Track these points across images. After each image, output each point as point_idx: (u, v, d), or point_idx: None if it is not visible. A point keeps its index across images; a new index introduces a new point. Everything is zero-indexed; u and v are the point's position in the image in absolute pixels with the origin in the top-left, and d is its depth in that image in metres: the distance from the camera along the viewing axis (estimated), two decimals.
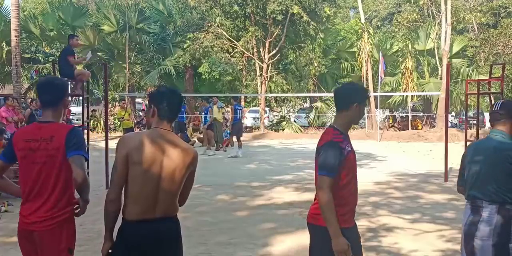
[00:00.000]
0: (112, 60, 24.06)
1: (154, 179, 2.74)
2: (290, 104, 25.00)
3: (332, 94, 24.81)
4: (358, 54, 24.82)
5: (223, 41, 22.96)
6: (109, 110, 13.33)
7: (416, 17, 25.01)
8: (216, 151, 15.60)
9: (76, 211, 3.01)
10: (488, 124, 26.66)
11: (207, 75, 23.18)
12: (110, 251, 2.81)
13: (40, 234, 2.87)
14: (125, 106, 17.36)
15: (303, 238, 5.72)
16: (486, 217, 3.12)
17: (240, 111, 15.57)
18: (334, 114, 15.89)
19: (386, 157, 14.48)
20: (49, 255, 2.89)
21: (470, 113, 20.57)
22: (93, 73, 21.29)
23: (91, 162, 9.60)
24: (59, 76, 9.41)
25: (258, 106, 25.03)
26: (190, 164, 2.83)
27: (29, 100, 19.71)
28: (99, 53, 24.40)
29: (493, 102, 14.49)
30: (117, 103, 23.48)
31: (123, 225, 2.79)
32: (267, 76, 23.18)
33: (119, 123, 17.94)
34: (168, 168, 2.76)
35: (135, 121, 22.96)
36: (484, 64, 24.92)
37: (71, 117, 18.02)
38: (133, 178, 2.74)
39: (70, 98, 18.63)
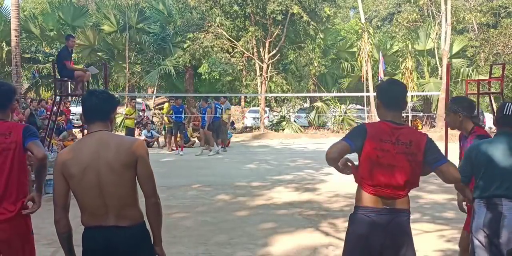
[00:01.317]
0: (112, 60, 24.07)
1: (92, 187, 2.62)
2: (290, 104, 24.99)
3: (332, 94, 24.61)
4: (358, 54, 24.81)
5: (223, 41, 22.96)
6: (124, 109, 13.32)
7: (416, 17, 25.01)
8: (205, 150, 15.57)
9: (31, 207, 3.22)
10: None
11: (207, 75, 23.18)
12: None
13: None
14: (134, 105, 17.51)
15: (303, 238, 5.73)
16: (509, 214, 3.20)
17: (221, 110, 15.62)
18: (334, 114, 15.99)
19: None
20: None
21: None
22: (93, 73, 21.29)
23: None
24: (59, 77, 9.45)
25: (258, 106, 25.03)
26: (128, 157, 2.63)
27: (29, 100, 19.70)
28: (99, 53, 24.41)
29: (493, 102, 14.52)
30: (131, 101, 23.47)
31: (83, 232, 2.72)
32: (267, 76, 23.18)
33: (123, 119, 17.89)
34: (105, 171, 2.61)
35: (135, 121, 22.96)
36: (484, 64, 24.93)
37: (71, 117, 17.99)
38: (74, 191, 2.67)
39: (70, 98, 18.70)
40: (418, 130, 3.15)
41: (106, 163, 2.62)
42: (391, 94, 3.01)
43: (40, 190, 3.31)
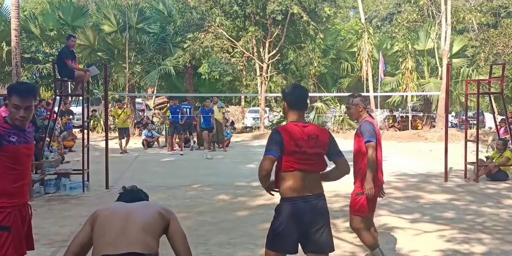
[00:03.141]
0: (112, 60, 24.05)
1: (120, 217, 2.71)
2: None
3: (332, 94, 24.66)
4: (358, 54, 24.82)
5: (223, 41, 22.95)
6: (109, 110, 13.33)
7: (416, 17, 25.01)
8: (212, 151, 15.59)
9: None
10: (488, 124, 26.65)
11: (207, 75, 23.18)
12: None
13: None
14: (123, 106, 17.38)
15: None
16: None
17: (189, 110, 16.74)
18: (334, 114, 16.00)
19: (386, 157, 14.39)
20: None
21: (470, 113, 20.56)
22: (94, 74, 21.25)
23: (92, 162, 9.62)
24: (59, 77, 9.44)
25: (258, 106, 25.03)
26: (162, 215, 2.83)
27: None
28: (99, 53, 24.40)
29: (493, 102, 14.53)
30: (115, 103, 23.48)
31: None
32: (267, 76, 23.18)
33: (115, 120, 17.93)
34: (138, 206, 2.81)
35: (135, 121, 22.96)
36: (484, 64, 24.92)
37: (71, 117, 18.00)
38: (98, 227, 2.70)
39: (70, 98, 18.67)
40: (320, 126, 3.73)
41: (140, 204, 2.87)
42: (295, 96, 3.48)
43: None
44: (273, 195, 3.64)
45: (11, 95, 3.19)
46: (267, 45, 23.23)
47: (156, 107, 27.90)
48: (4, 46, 22.41)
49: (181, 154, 15.21)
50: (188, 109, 16.62)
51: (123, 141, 15.54)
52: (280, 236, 3.39)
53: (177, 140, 16.24)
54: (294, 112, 3.46)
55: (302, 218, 3.34)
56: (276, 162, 3.34)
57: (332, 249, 3.43)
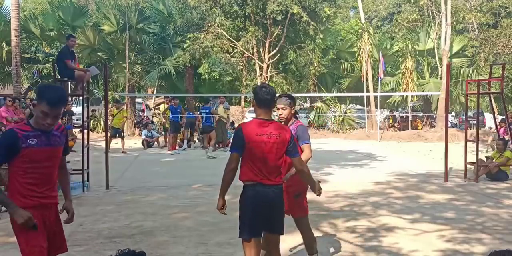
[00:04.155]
0: (112, 60, 24.03)
1: None
2: None
3: (332, 94, 24.66)
4: (358, 54, 24.83)
5: (223, 41, 22.95)
6: (109, 110, 13.32)
7: (416, 17, 25.04)
8: (213, 151, 15.62)
9: None
10: (488, 124, 26.65)
11: (207, 75, 23.18)
12: None
13: None
14: (120, 107, 17.31)
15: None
16: None
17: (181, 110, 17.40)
18: (334, 114, 15.99)
19: (386, 157, 14.48)
20: None
21: (470, 113, 20.57)
22: (94, 74, 21.22)
23: (92, 162, 9.62)
24: (59, 77, 9.43)
25: None
26: None
27: (29, 100, 19.69)
28: (99, 53, 24.40)
29: (493, 102, 14.54)
30: (114, 104, 23.48)
31: None
32: (267, 76, 23.17)
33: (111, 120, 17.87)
34: None
35: (135, 121, 22.96)
36: (484, 64, 24.94)
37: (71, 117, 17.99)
38: None
39: (70, 98, 18.64)
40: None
41: None
42: (260, 96, 3.79)
43: None
44: (224, 213, 4.08)
45: (41, 100, 3.06)
46: (267, 45, 23.23)
47: (156, 107, 27.92)
48: (4, 46, 22.40)
49: (181, 152, 15.33)
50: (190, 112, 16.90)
51: (116, 141, 15.64)
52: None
53: (178, 140, 16.29)
54: (260, 110, 3.82)
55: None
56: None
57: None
